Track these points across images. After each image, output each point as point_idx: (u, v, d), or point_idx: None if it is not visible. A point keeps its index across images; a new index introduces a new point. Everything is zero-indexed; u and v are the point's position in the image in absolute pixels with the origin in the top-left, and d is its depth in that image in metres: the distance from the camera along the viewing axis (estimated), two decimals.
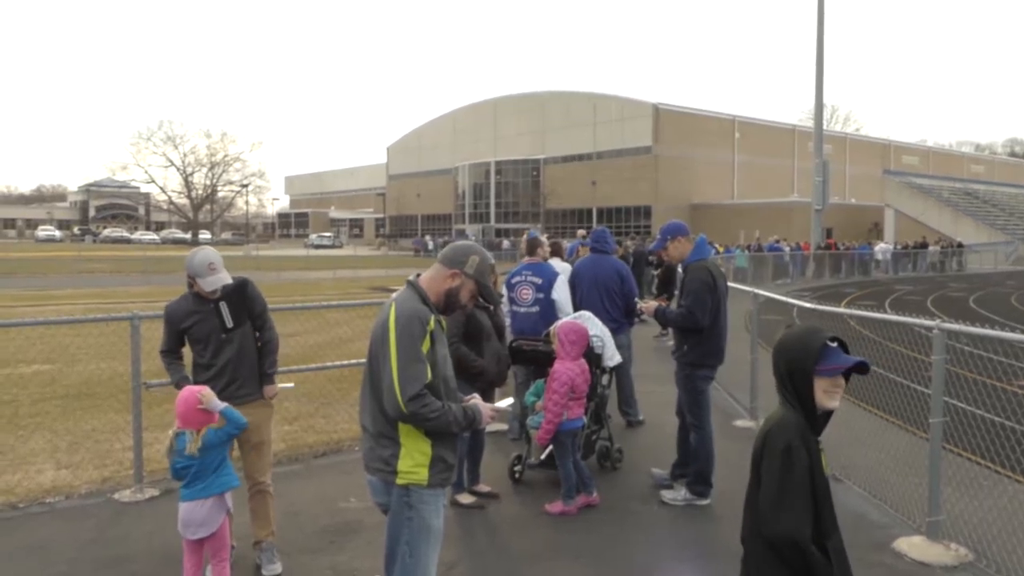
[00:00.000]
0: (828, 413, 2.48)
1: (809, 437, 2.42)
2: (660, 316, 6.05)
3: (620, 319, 7.50)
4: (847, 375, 2.46)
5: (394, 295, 3.23)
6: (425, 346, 3.05)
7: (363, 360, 3.26)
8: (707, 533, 5.27)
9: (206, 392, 3.98)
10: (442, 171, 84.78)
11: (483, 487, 5.87)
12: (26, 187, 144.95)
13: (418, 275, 3.30)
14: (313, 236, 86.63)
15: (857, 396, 8.02)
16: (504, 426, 7.49)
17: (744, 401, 8.62)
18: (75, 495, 5.80)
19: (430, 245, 65.06)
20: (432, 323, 3.11)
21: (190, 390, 4.01)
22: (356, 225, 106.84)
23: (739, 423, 8.15)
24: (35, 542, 4.95)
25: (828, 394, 2.42)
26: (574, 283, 7.47)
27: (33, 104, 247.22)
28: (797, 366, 2.43)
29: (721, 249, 35.87)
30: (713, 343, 5.79)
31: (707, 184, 65.57)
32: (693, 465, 5.82)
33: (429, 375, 3.04)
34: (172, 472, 3.99)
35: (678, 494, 5.81)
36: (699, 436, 5.80)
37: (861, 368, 2.43)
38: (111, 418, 7.80)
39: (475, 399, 3.35)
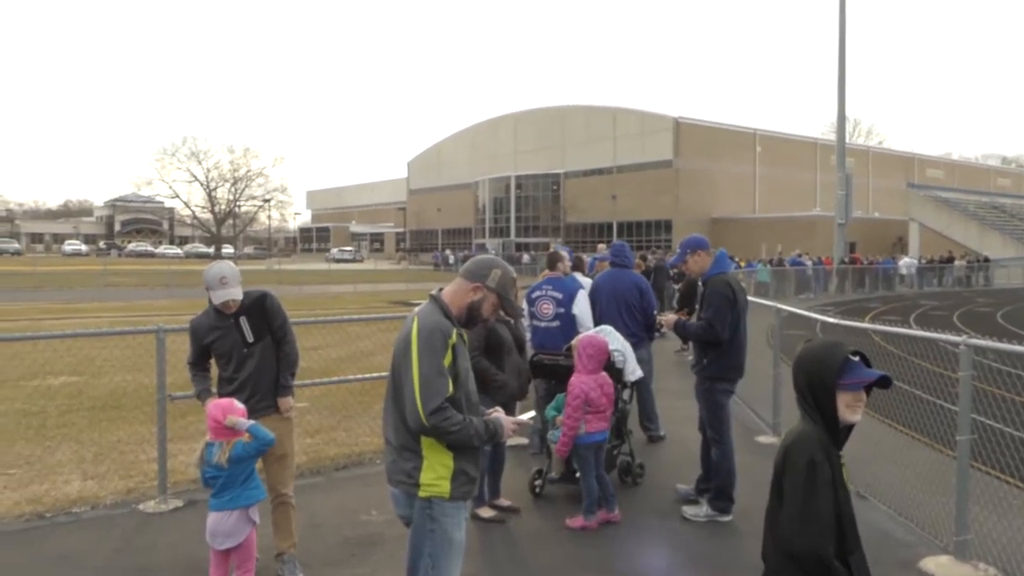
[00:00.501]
0: (850, 427, 2.47)
1: (831, 451, 2.41)
2: (680, 329, 6.05)
3: (639, 333, 7.49)
4: (869, 389, 2.45)
5: (416, 309, 3.26)
6: (447, 360, 3.07)
7: (385, 373, 3.29)
8: (729, 549, 5.23)
9: (232, 417, 4.03)
10: (462, 185, 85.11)
11: (504, 501, 5.87)
12: (53, 202, 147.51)
13: (440, 289, 3.32)
14: (334, 250, 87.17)
15: (882, 412, 7.94)
16: (525, 440, 7.49)
17: (767, 416, 8.55)
18: (101, 505, 5.86)
19: (450, 259, 65.26)
20: (454, 337, 3.13)
21: (217, 404, 4.06)
22: (377, 239, 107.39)
23: (761, 439, 8.09)
24: (62, 551, 5.01)
25: (851, 408, 2.42)
26: (593, 297, 7.47)
27: (60, 121, 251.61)
28: (818, 380, 2.42)
29: (743, 264, 35.71)
30: (733, 357, 5.78)
31: (728, 198, 65.30)
32: (714, 481, 5.79)
33: (451, 388, 3.06)
34: (202, 480, 4.05)
35: (700, 510, 5.77)
36: (720, 451, 5.78)
37: (883, 382, 2.42)
38: (136, 429, 7.88)
39: (497, 412, 3.37)
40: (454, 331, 3.15)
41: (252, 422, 4.05)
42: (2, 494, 6.01)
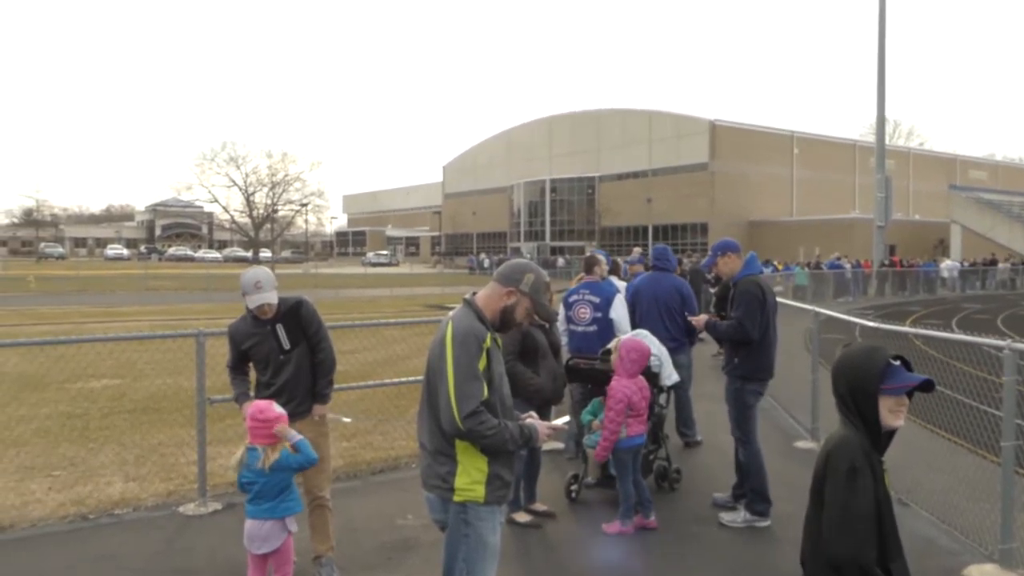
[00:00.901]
0: (892, 432, 2.43)
1: (873, 457, 2.37)
2: (711, 329, 6.07)
3: (680, 338, 7.44)
4: (911, 394, 2.41)
5: (451, 313, 3.27)
6: (482, 364, 3.08)
7: (420, 377, 3.30)
8: (767, 555, 5.16)
9: (281, 427, 4.06)
10: (497, 189, 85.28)
11: (539, 506, 5.86)
12: (96, 207, 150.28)
13: (474, 293, 3.33)
14: (370, 254, 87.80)
15: (923, 418, 7.79)
16: (560, 445, 7.47)
17: (805, 422, 8.43)
18: (142, 507, 5.96)
19: (485, 263, 65.38)
20: (488, 341, 3.13)
21: (256, 405, 4.10)
22: (412, 243, 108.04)
23: (800, 444, 7.98)
24: (106, 552, 5.10)
25: (893, 413, 2.38)
26: (634, 301, 7.43)
27: (103, 128, 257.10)
28: (860, 385, 2.39)
29: (780, 266, 35.28)
30: (763, 357, 5.80)
31: (765, 201, 64.58)
32: (747, 483, 5.76)
33: (486, 392, 3.06)
34: (238, 484, 4.09)
35: (737, 516, 5.72)
36: (747, 451, 5.78)
37: (926, 386, 2.38)
38: (176, 432, 8.01)
39: (532, 417, 3.36)
40: (488, 335, 3.15)
41: (301, 437, 4.09)
42: (47, 495, 6.15)
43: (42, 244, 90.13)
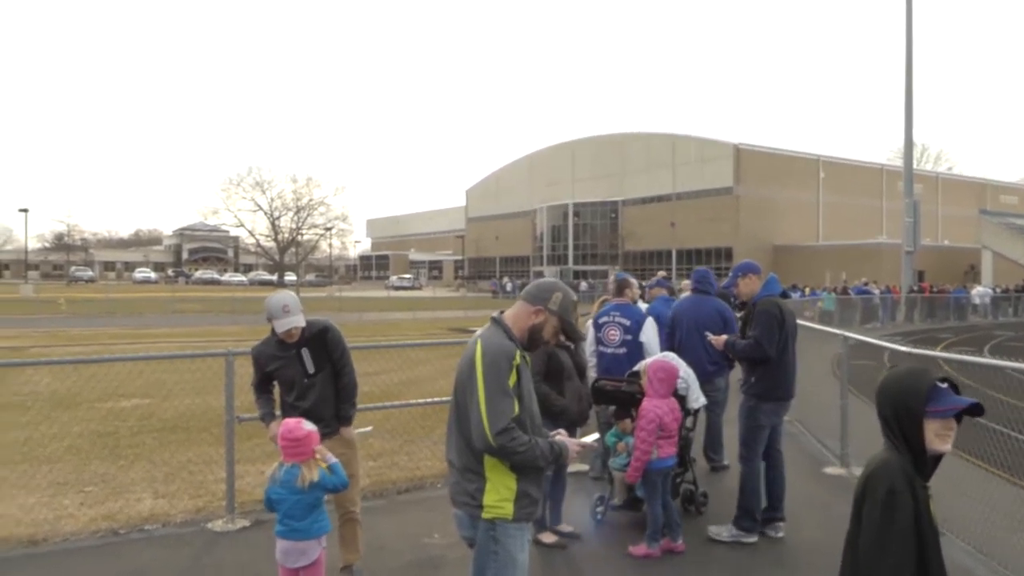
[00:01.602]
0: (938, 457, 2.37)
1: (915, 481, 2.32)
2: (729, 348, 6.10)
3: (721, 361, 7.41)
4: (959, 418, 2.35)
5: (479, 332, 3.30)
6: (512, 380, 3.09)
7: (445, 399, 3.33)
8: None
9: (322, 448, 4.12)
10: (520, 213, 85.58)
11: (565, 527, 5.83)
12: (125, 232, 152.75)
13: (502, 312, 3.35)
14: (393, 278, 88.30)
15: (956, 445, 7.66)
16: (585, 467, 7.44)
17: (834, 448, 8.33)
18: (171, 523, 6.02)
19: (508, 287, 65.50)
20: (518, 358, 3.15)
21: (287, 424, 4.13)
22: (435, 267, 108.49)
23: (829, 470, 7.88)
24: (136, 568, 5.15)
25: (941, 437, 2.32)
26: (673, 324, 7.40)
27: (132, 154, 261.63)
28: (904, 407, 2.33)
29: (807, 291, 34.99)
30: (779, 377, 5.83)
31: (790, 225, 64.24)
32: (740, 498, 5.80)
33: (516, 409, 3.08)
34: (265, 500, 4.12)
35: (724, 530, 5.77)
36: (747, 470, 5.83)
37: (975, 410, 2.32)
38: (204, 450, 8.07)
39: (561, 435, 3.37)
40: (517, 352, 3.17)
41: (336, 461, 4.14)
42: (79, 511, 6.22)
43: (72, 268, 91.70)
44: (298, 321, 4.58)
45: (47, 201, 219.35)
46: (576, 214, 77.90)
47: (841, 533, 2.48)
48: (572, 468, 6.58)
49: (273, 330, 4.63)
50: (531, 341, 3.31)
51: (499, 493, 3.12)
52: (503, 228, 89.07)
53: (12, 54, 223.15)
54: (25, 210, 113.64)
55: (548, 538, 5.62)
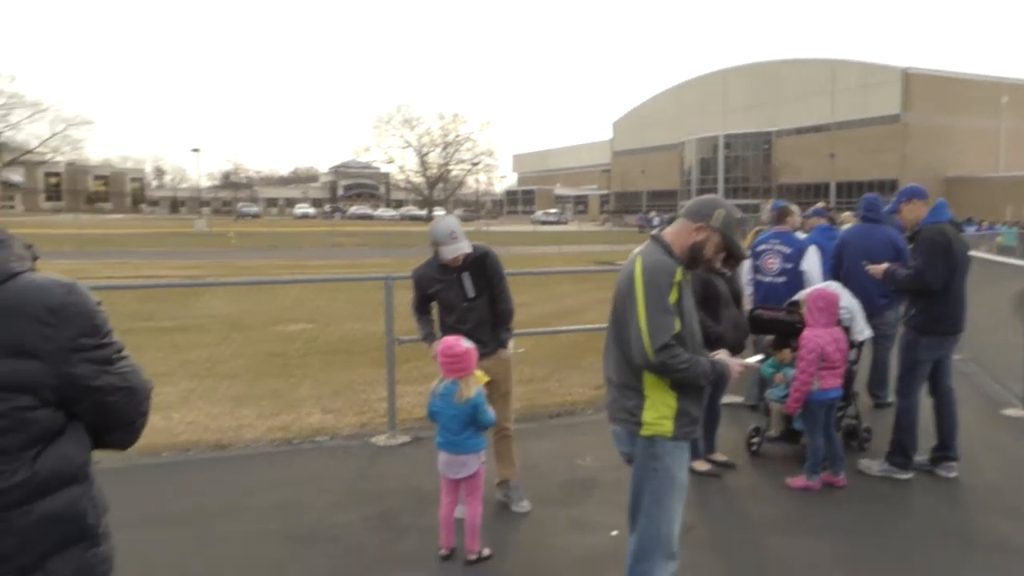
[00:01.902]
0: None
1: None
2: (889, 278, 5.67)
3: (891, 294, 6.98)
4: None
5: (638, 249, 3.22)
6: (673, 297, 3.02)
7: (596, 326, 3.29)
8: (969, 522, 4.80)
9: (472, 378, 4.22)
10: (668, 146, 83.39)
11: (719, 456, 5.76)
12: (284, 170, 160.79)
13: (661, 230, 3.26)
14: (539, 213, 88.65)
15: None
16: (739, 399, 7.28)
17: (1015, 389, 7.73)
18: (339, 436, 6.41)
19: (655, 221, 64.39)
20: (679, 275, 3.06)
21: (446, 342, 4.25)
22: (580, 201, 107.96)
23: (1009, 412, 7.33)
24: (310, 474, 5.55)
25: None
26: (840, 254, 7.01)
27: (289, 95, 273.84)
28: None
29: (983, 225, 32.39)
30: (944, 309, 5.41)
31: (966, 155, 59.22)
32: (893, 435, 5.54)
33: (678, 326, 3.01)
34: (428, 413, 4.29)
35: (876, 464, 5.58)
36: (903, 404, 5.53)
37: None
38: (365, 372, 8.50)
39: (722, 354, 3.29)
40: (679, 269, 3.08)
41: (480, 389, 4.23)
42: (257, 421, 6.74)
43: (239, 204, 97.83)
44: (464, 247, 4.64)
45: (216, 141, 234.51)
46: (727, 146, 75.05)
47: (1022, 476, 2.29)
48: (726, 399, 6.45)
49: (435, 254, 4.72)
50: (692, 259, 3.18)
51: (658, 410, 3.09)
52: (650, 161, 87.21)
53: (186, 7, 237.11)
54: (197, 150, 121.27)
55: (701, 466, 5.56)
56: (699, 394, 3.19)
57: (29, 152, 77.24)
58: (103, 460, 2.94)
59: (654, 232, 3.26)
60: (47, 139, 76.09)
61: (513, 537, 4.55)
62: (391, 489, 5.22)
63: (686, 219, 3.20)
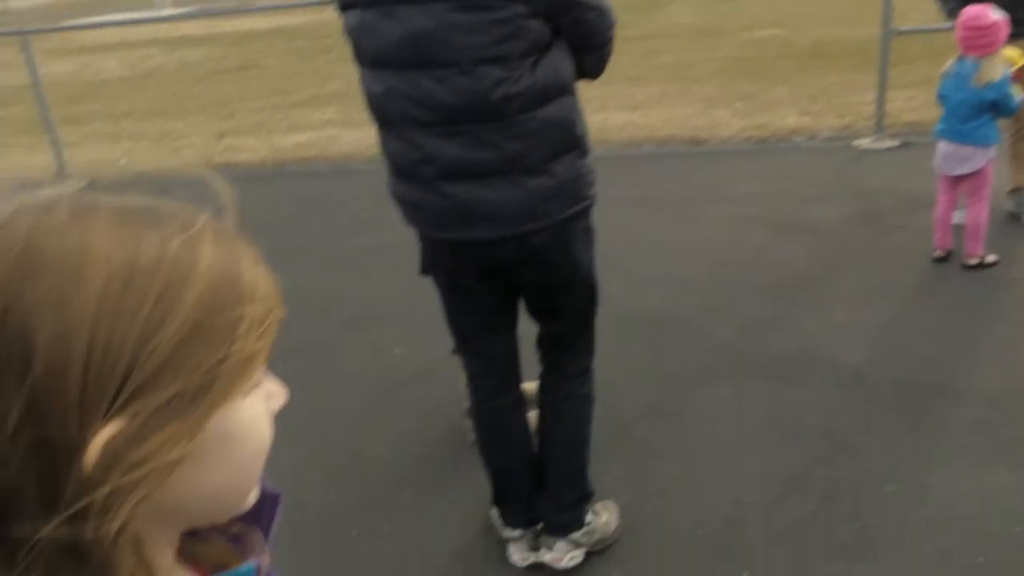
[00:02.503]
0: None
1: None
2: None
3: None
4: None
5: None
6: None
7: None
8: None
9: (999, 56, 3.57)
10: None
11: None
12: None
13: None
14: None
15: None
16: None
17: None
18: (817, 138, 6.15)
19: None
20: None
21: (970, 11, 3.60)
22: None
23: None
24: (788, 170, 5.48)
25: None
26: None
27: None
28: None
29: None
30: None
31: None
32: None
33: None
34: (937, 95, 3.82)
35: None
36: None
37: None
38: (846, 76, 7.80)
39: None
40: None
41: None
42: (731, 120, 6.74)
43: None
44: None
45: None
46: None
47: None
48: None
49: None
50: None
51: None
52: None
53: None
54: None
55: None
56: None
57: None
58: None
59: None
60: None
61: (1021, 251, 4.04)
62: (877, 189, 4.92)
63: None
